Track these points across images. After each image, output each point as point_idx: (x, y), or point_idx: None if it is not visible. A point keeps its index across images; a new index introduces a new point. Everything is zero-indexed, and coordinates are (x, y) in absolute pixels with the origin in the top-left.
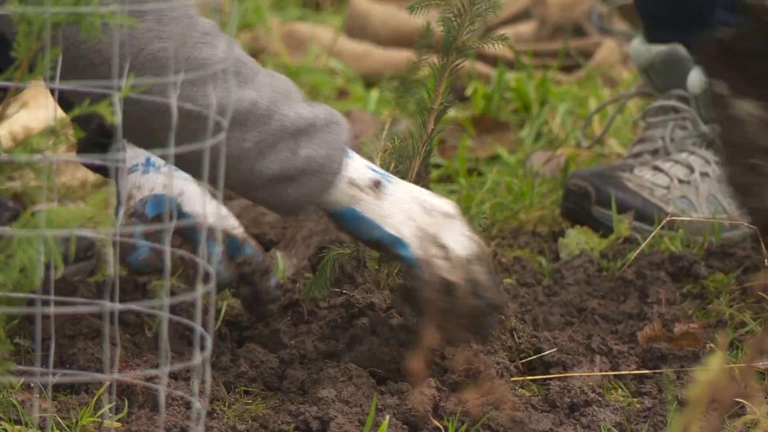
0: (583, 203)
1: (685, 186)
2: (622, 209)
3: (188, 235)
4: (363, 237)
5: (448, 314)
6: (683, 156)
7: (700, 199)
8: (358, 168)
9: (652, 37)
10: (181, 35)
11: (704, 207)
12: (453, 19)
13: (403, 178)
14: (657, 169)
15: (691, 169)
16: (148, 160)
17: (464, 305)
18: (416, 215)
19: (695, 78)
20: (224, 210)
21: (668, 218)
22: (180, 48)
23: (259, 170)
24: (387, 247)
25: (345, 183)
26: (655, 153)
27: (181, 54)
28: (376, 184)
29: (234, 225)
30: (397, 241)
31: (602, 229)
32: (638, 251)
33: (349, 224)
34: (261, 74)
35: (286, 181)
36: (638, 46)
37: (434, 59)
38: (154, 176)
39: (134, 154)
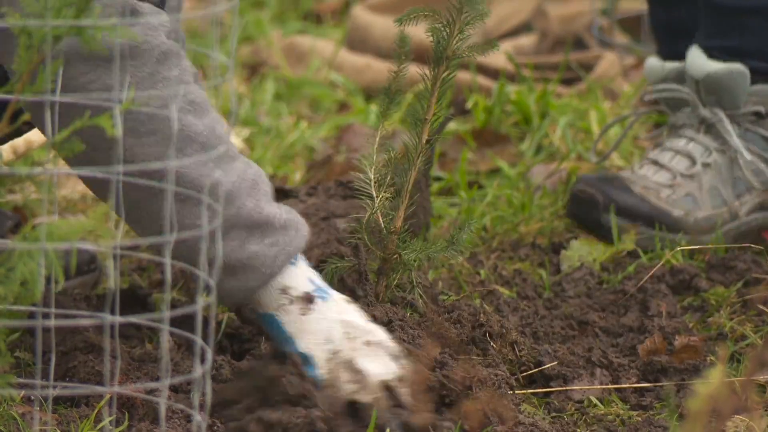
0: (591, 211)
1: (688, 181)
2: (630, 216)
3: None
4: (276, 344)
5: None
6: (682, 144)
7: (703, 193)
8: (298, 278)
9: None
10: (165, 97)
11: (708, 202)
12: (442, 29)
13: (400, 190)
14: (657, 164)
15: (693, 161)
16: None
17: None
18: (335, 338)
19: (697, 61)
20: None
21: (676, 249)
22: (161, 109)
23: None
24: (295, 363)
25: (277, 289)
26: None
27: (160, 115)
28: (308, 299)
29: None
30: (306, 360)
31: (610, 237)
32: (646, 268)
33: (267, 328)
34: (238, 161)
35: (228, 272)
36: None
37: (426, 70)
38: None
39: None
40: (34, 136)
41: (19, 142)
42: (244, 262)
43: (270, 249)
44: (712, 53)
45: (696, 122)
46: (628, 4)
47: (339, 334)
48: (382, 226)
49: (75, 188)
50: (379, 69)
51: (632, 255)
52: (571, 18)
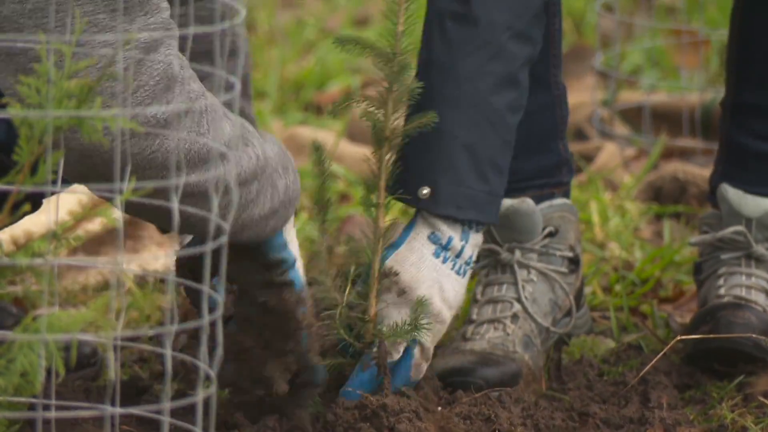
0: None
1: None
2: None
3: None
4: (269, 256)
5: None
6: (743, 279)
7: None
8: None
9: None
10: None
11: None
12: (375, 111)
13: (366, 277)
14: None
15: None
16: None
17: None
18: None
19: (748, 200)
20: None
21: (676, 339)
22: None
23: (256, 214)
24: (283, 269)
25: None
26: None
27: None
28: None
29: None
30: (294, 264)
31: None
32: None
33: (272, 244)
34: (247, 124)
35: (271, 216)
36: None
37: (370, 155)
38: None
39: None
40: (35, 227)
41: (19, 233)
42: (283, 200)
43: (290, 176)
44: (756, 194)
45: (742, 260)
46: (629, 95)
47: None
48: (356, 317)
49: (75, 279)
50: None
51: (633, 347)
52: (572, 109)
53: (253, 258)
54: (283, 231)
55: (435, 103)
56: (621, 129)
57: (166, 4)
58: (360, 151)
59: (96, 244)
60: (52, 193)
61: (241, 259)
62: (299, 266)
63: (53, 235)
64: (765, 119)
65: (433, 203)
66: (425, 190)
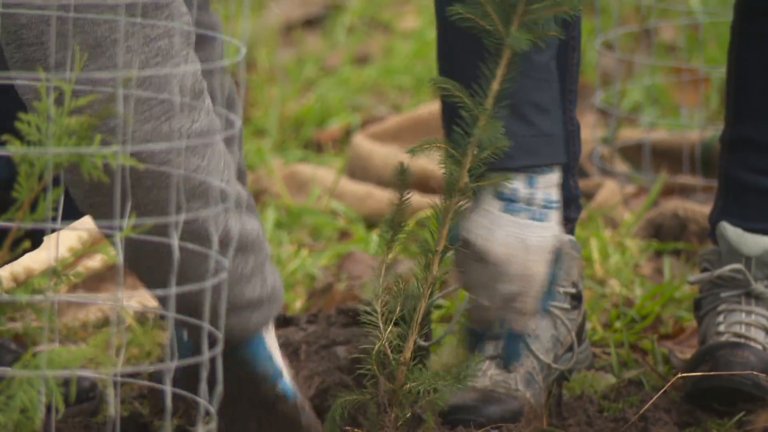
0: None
1: None
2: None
3: None
4: (257, 369)
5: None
6: (743, 317)
7: None
8: None
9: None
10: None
11: None
12: (454, 163)
13: (409, 320)
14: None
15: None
16: None
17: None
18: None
19: (747, 239)
20: None
21: (677, 377)
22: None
23: (246, 294)
24: (270, 382)
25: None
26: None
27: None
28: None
29: None
30: (281, 374)
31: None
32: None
33: (249, 349)
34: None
35: (256, 307)
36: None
37: (437, 200)
38: None
39: None
40: (35, 264)
41: (19, 270)
42: (269, 294)
43: (277, 275)
44: (754, 232)
45: (741, 297)
46: (629, 133)
47: None
48: (391, 357)
49: (76, 316)
50: (380, 198)
51: (633, 383)
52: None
53: (240, 377)
54: (267, 342)
55: (457, 61)
56: (621, 166)
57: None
58: (360, 189)
59: (96, 281)
60: (53, 230)
61: (229, 383)
62: (287, 375)
63: (53, 272)
64: (763, 153)
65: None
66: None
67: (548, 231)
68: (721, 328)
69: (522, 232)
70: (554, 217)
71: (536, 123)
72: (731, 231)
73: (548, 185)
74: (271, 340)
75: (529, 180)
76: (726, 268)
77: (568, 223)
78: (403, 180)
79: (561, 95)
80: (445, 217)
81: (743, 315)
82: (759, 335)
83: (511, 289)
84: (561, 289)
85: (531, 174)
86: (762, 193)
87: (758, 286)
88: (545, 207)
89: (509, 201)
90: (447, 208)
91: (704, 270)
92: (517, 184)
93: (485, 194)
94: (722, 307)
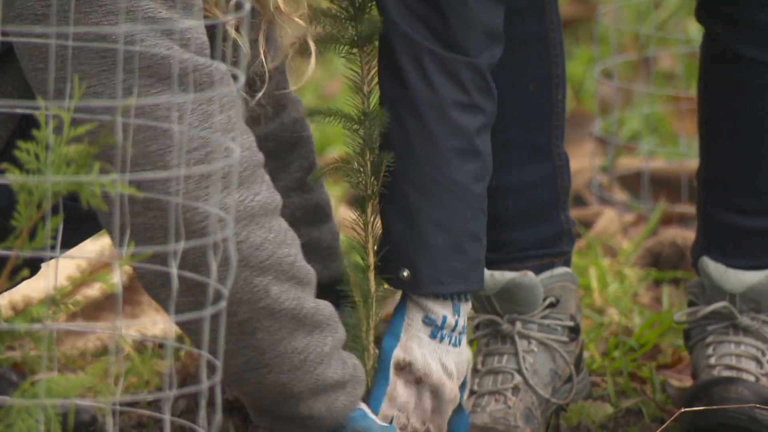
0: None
1: None
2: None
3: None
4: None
5: None
6: (733, 348)
7: None
8: None
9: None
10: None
11: None
12: (355, 175)
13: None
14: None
15: (759, 361)
16: None
17: None
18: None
19: (730, 276)
20: None
21: (679, 412)
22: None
23: (328, 376)
24: None
25: None
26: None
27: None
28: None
29: None
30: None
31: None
32: None
33: (356, 424)
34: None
35: (340, 388)
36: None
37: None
38: None
39: None
40: (34, 293)
41: (18, 298)
42: (352, 374)
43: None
44: (736, 269)
45: (729, 329)
46: (628, 161)
47: None
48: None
49: (74, 344)
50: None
51: (631, 413)
52: (572, 175)
53: None
54: (366, 411)
55: (398, 185)
56: (620, 195)
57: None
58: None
59: (95, 309)
60: (51, 258)
61: None
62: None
63: (52, 301)
64: (736, 193)
65: (416, 285)
66: (405, 272)
67: (460, 356)
68: (712, 360)
69: (443, 358)
70: (464, 341)
71: (469, 252)
72: (713, 267)
73: (466, 312)
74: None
75: (456, 307)
76: (711, 308)
77: (563, 256)
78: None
79: (547, 131)
80: (365, 230)
81: (732, 346)
82: (750, 365)
83: (438, 408)
84: (559, 323)
85: (458, 301)
86: (738, 231)
87: (744, 319)
88: (461, 333)
89: (438, 328)
90: (365, 220)
91: (690, 303)
92: (446, 312)
93: (415, 317)
94: (710, 338)
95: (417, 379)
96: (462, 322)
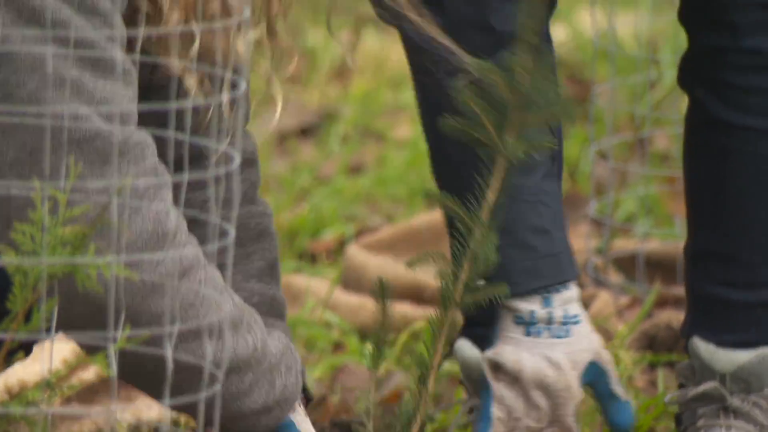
0: None
1: None
2: None
3: None
4: None
5: None
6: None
7: None
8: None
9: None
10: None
11: None
12: (450, 275)
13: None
14: None
15: None
16: None
17: None
18: None
19: (720, 355)
20: None
21: None
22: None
23: (247, 407)
24: None
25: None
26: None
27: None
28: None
29: None
30: None
31: None
32: None
33: None
34: (255, 314)
35: (264, 413)
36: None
37: (431, 312)
38: None
39: None
40: (29, 376)
41: (13, 382)
42: (278, 399)
43: (291, 377)
44: (725, 346)
45: (719, 412)
46: (623, 243)
47: None
48: None
49: (70, 428)
50: (374, 309)
51: None
52: None
53: None
54: (296, 423)
55: (451, 171)
56: (615, 277)
57: (152, 150)
58: (354, 300)
59: (90, 393)
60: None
61: None
62: None
63: (47, 384)
64: (723, 265)
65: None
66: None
67: (573, 346)
68: None
69: (546, 352)
70: (579, 331)
71: (537, 247)
72: (703, 348)
73: (565, 302)
74: (298, 417)
75: (544, 300)
76: (701, 388)
77: None
78: (383, 295)
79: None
80: (439, 331)
81: (723, 430)
82: None
83: (548, 405)
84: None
85: (545, 294)
86: (726, 304)
87: (734, 401)
88: (565, 323)
89: (529, 324)
90: (441, 321)
91: (680, 385)
92: (534, 307)
93: (505, 320)
94: (701, 422)
95: (514, 379)
96: (560, 312)
